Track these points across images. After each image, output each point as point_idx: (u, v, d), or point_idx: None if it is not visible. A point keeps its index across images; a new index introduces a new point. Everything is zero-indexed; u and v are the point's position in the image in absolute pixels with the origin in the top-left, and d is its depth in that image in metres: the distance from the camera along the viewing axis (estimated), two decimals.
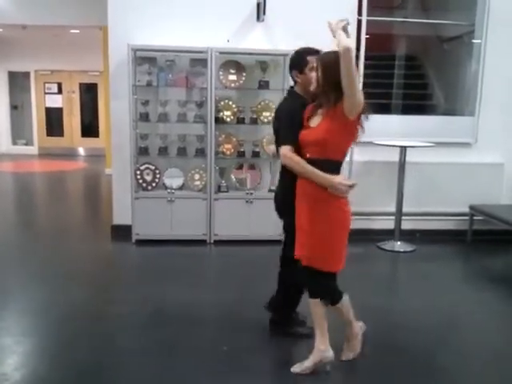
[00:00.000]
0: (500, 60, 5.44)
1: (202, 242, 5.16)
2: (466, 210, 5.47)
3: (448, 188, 5.45)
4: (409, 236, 5.34)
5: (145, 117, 5.12)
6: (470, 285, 4.43)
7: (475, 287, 4.32)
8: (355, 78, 2.46)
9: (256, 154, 5.24)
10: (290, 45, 5.11)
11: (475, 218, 5.45)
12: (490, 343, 3.26)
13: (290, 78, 3.00)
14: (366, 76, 5.28)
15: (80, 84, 12.95)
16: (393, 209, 5.25)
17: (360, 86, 2.55)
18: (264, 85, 5.14)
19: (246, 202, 5.17)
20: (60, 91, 12.96)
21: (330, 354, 2.76)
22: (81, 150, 13.12)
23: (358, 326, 2.93)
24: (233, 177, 5.32)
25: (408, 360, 2.98)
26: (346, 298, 2.85)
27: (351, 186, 2.64)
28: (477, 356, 3.10)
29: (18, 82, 13.00)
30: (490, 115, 5.51)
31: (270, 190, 5.27)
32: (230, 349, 3.01)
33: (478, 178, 5.47)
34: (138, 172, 5.13)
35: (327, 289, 2.78)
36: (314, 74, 2.71)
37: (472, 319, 3.66)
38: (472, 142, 5.57)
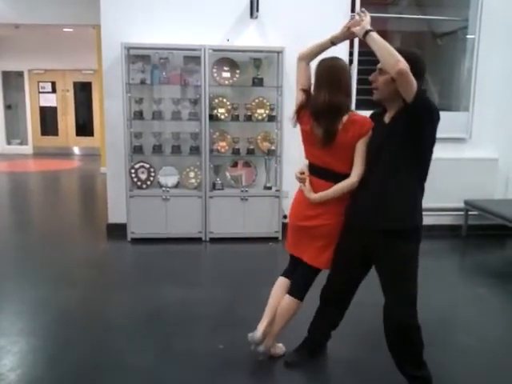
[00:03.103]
0: (494, 55, 5.46)
1: (197, 240, 5.16)
2: (461, 205, 5.49)
3: (443, 183, 5.45)
4: None
5: (139, 115, 5.11)
6: (465, 279, 4.45)
7: (470, 282, 4.34)
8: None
9: (251, 152, 5.24)
10: (283, 41, 5.15)
11: (470, 212, 5.48)
12: (486, 338, 3.27)
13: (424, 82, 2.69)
14: (359, 72, 5.27)
15: (74, 83, 12.90)
16: None
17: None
18: (258, 82, 5.13)
19: (241, 199, 5.17)
20: (54, 90, 12.91)
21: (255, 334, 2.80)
22: (76, 149, 13.09)
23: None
24: (228, 174, 5.31)
25: None
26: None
27: (301, 178, 2.77)
28: (472, 351, 3.11)
29: (12, 81, 12.95)
30: (485, 110, 5.53)
31: (265, 188, 5.28)
32: (226, 347, 3.01)
33: (473, 173, 5.48)
34: (133, 170, 5.12)
35: None
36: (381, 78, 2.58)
37: (467, 314, 3.67)
38: (466, 137, 5.59)
